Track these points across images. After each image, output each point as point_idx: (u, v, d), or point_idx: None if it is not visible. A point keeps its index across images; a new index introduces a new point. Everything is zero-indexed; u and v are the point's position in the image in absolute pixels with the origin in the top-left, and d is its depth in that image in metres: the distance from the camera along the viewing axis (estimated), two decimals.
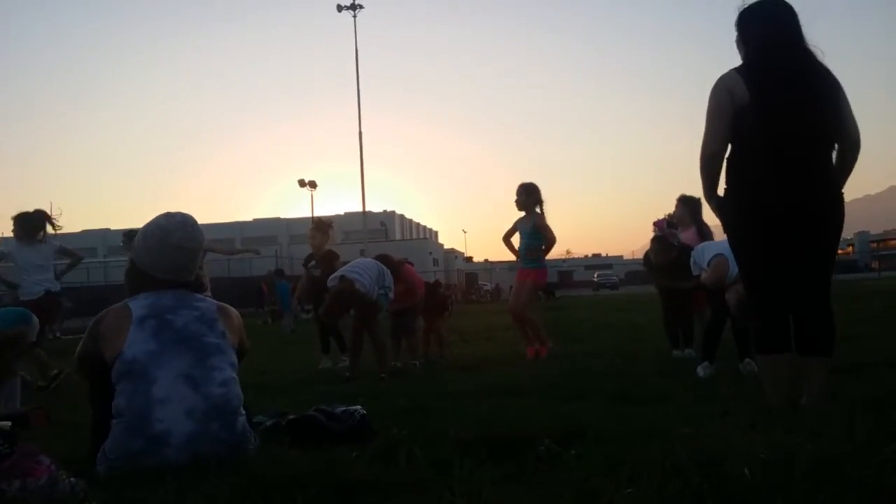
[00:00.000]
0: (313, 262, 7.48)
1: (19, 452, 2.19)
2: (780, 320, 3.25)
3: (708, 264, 5.02)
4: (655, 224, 6.25)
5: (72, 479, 2.11)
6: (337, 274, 5.87)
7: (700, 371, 4.89)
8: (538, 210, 6.89)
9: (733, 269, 4.33)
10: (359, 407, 3.10)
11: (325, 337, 7.47)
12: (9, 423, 2.47)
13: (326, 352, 7.46)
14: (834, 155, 3.25)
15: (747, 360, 4.82)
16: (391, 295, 6.02)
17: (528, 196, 6.87)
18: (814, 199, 3.17)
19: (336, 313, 6.10)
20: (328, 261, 7.16)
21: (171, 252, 2.72)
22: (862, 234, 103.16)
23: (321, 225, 7.78)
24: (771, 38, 3.25)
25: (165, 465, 2.21)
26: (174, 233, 2.73)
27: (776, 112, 3.14)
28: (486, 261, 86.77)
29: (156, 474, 2.08)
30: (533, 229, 6.85)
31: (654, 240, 6.18)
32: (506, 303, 32.37)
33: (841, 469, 1.82)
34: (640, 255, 6.98)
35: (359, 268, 5.84)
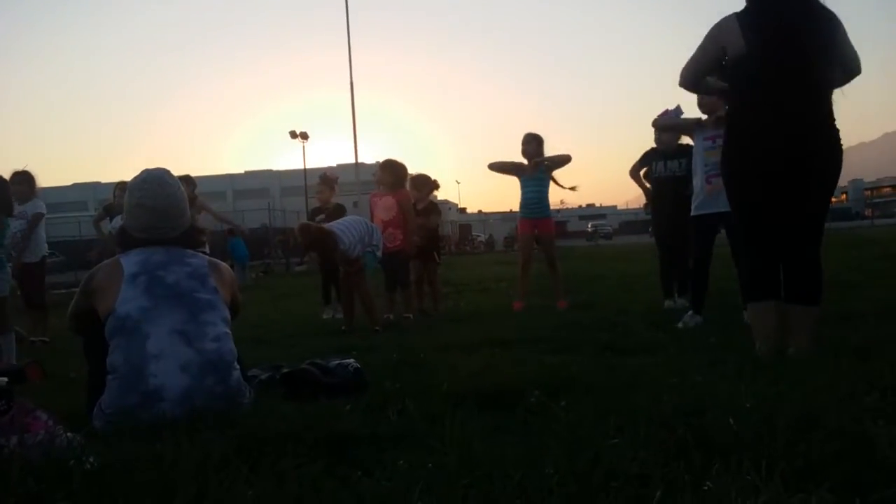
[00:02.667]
0: (322, 216, 7.45)
1: (17, 408, 2.22)
2: (768, 268, 3.28)
3: None
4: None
5: (69, 434, 2.14)
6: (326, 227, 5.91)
7: (681, 323, 4.83)
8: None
9: None
10: (352, 360, 3.14)
11: (328, 288, 7.65)
12: (5, 379, 2.49)
13: (328, 302, 7.66)
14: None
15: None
16: (379, 253, 6.03)
17: (539, 145, 6.93)
18: (813, 152, 3.16)
19: (315, 250, 6.36)
20: (337, 215, 7.14)
21: (137, 212, 2.68)
22: (856, 182, 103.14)
23: (328, 179, 7.74)
24: None
25: (161, 420, 2.25)
26: (134, 191, 2.68)
27: (774, 65, 3.14)
28: (479, 212, 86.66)
29: (151, 429, 2.11)
30: (545, 177, 6.91)
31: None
32: (500, 254, 32.11)
33: (823, 419, 1.86)
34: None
35: (344, 224, 5.85)
